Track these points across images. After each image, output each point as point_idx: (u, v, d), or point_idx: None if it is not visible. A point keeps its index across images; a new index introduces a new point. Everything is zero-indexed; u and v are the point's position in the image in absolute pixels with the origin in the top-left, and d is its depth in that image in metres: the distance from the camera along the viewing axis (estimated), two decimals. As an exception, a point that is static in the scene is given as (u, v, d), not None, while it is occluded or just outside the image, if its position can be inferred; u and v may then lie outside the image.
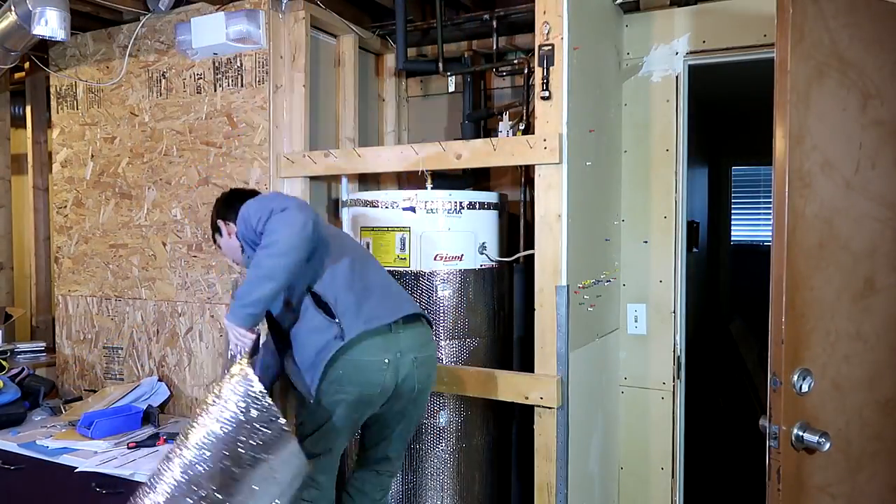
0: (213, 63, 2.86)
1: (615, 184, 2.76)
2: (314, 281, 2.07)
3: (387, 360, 2.03)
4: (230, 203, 2.30)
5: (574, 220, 2.30)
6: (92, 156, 3.20)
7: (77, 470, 2.44)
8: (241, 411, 1.86)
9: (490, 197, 2.60)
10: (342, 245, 2.19)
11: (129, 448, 2.58)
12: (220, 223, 2.34)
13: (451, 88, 3.02)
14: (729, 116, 5.17)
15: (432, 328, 2.29)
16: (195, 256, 2.92)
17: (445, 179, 2.77)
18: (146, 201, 3.05)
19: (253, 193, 2.32)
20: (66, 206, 3.29)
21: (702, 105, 3.99)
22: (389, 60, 3.28)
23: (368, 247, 2.57)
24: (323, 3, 2.79)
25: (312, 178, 2.80)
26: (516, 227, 2.70)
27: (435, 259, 2.49)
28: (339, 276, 2.08)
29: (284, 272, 1.93)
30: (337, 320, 2.02)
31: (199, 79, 2.90)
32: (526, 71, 2.79)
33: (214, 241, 2.42)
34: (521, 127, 2.72)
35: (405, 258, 2.50)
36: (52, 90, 3.34)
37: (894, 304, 1.84)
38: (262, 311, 1.99)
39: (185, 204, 2.94)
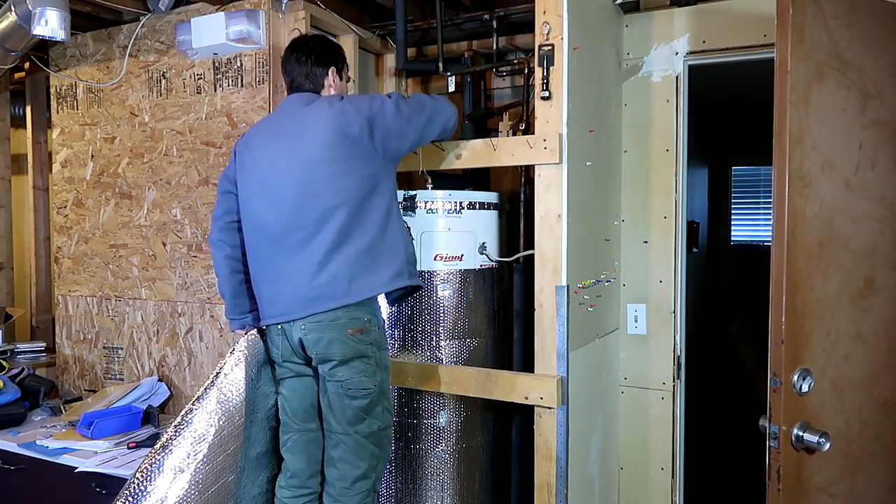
0: (213, 63, 2.86)
1: (615, 184, 2.76)
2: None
3: (280, 327, 2.20)
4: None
5: (574, 220, 2.30)
6: (92, 156, 3.20)
7: (77, 470, 2.44)
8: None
9: (490, 197, 2.60)
10: None
11: (129, 448, 2.58)
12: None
13: (451, 88, 3.02)
14: (729, 116, 5.17)
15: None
16: (195, 256, 2.92)
17: (445, 179, 2.77)
18: (146, 201, 3.05)
19: (296, 47, 2.26)
20: (66, 206, 3.30)
21: (702, 105, 3.99)
22: (389, 60, 3.28)
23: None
24: (323, 3, 2.79)
25: (312, 178, 2.80)
26: (516, 227, 2.70)
27: (435, 259, 2.49)
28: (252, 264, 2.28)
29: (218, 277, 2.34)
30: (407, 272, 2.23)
31: (199, 79, 2.90)
32: (526, 71, 2.79)
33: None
34: (521, 127, 2.71)
35: (405, 258, 2.50)
36: (52, 90, 3.34)
37: (894, 304, 1.84)
38: (231, 312, 2.33)
39: (185, 204, 2.94)
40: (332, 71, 2.24)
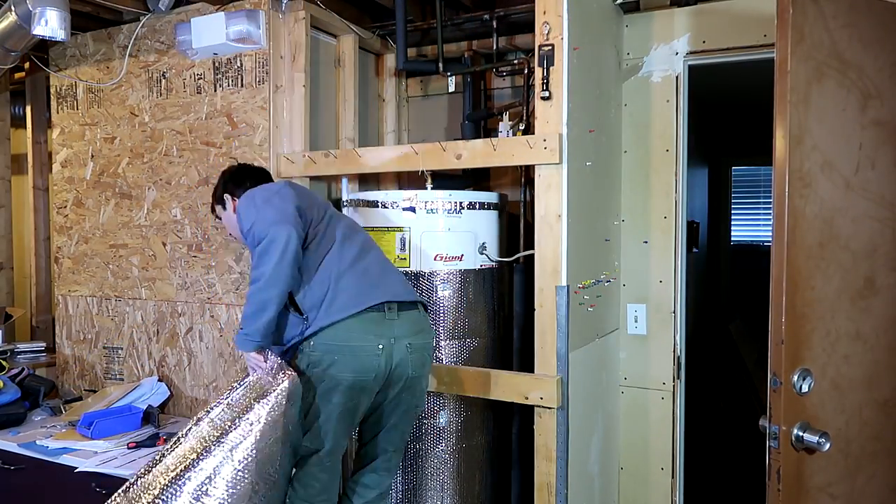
0: (213, 63, 2.86)
1: (615, 184, 2.76)
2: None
3: (381, 346, 2.07)
4: (239, 179, 2.37)
5: (574, 220, 2.30)
6: (92, 156, 3.20)
7: (77, 470, 2.44)
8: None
9: (490, 197, 2.60)
10: (325, 232, 2.18)
11: (129, 448, 2.58)
12: (227, 197, 2.37)
13: (451, 88, 3.02)
14: (729, 116, 5.17)
15: (428, 313, 2.34)
16: (195, 256, 2.92)
17: (445, 179, 2.77)
18: (146, 201, 3.05)
19: (260, 171, 2.43)
20: (66, 206, 3.30)
21: (702, 105, 3.98)
22: (389, 60, 3.28)
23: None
24: (323, 3, 2.79)
25: (312, 178, 2.80)
26: (516, 227, 2.70)
27: (435, 259, 2.49)
28: (311, 269, 2.11)
29: (275, 301, 2.03)
30: (304, 316, 2.09)
31: (199, 79, 2.90)
32: (526, 71, 2.79)
33: (214, 212, 2.46)
34: (521, 127, 2.71)
35: (405, 258, 2.50)
36: (52, 90, 3.34)
37: (894, 304, 1.84)
38: (265, 338, 2.07)
39: (185, 204, 2.94)
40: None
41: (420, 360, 2.17)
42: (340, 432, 2.12)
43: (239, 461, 1.92)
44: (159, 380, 3.02)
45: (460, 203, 2.51)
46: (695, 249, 4.64)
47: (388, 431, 2.24)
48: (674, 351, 2.75)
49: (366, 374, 2.06)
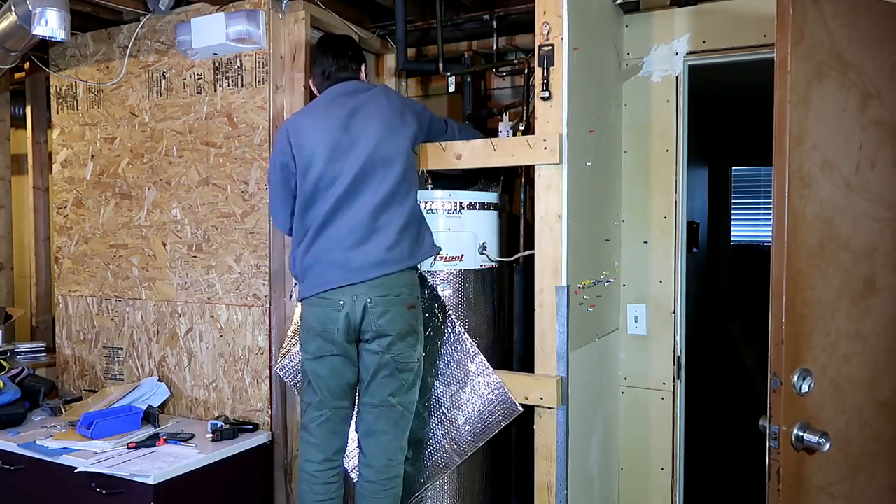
0: (213, 63, 2.86)
1: (615, 184, 2.76)
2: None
3: (342, 302, 2.20)
4: (314, 65, 2.49)
5: (574, 220, 2.30)
6: (92, 156, 3.20)
7: (77, 470, 2.44)
8: None
9: (490, 197, 2.60)
10: (319, 191, 2.26)
11: (129, 448, 2.58)
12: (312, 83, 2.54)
13: (451, 88, 3.02)
14: (729, 116, 5.17)
15: (412, 269, 2.32)
16: (195, 256, 2.92)
17: (445, 179, 2.77)
18: (146, 201, 3.05)
19: (344, 38, 2.55)
20: (66, 207, 3.30)
21: (702, 105, 3.99)
22: (389, 60, 3.28)
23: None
24: (323, 3, 2.79)
25: (312, 179, 2.80)
26: (516, 227, 2.70)
27: (435, 259, 2.49)
28: (300, 233, 2.32)
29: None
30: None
31: (199, 79, 2.90)
32: (526, 71, 2.79)
33: None
34: (521, 127, 2.71)
35: (405, 258, 2.49)
36: (53, 90, 3.34)
37: (894, 304, 1.84)
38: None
39: (185, 204, 2.94)
40: (363, 67, 2.47)
41: (381, 312, 2.19)
42: (322, 383, 2.25)
43: None
44: (159, 380, 3.01)
45: (460, 203, 2.51)
46: (695, 249, 4.65)
47: (367, 386, 2.27)
48: (674, 351, 2.75)
49: (330, 325, 2.20)
